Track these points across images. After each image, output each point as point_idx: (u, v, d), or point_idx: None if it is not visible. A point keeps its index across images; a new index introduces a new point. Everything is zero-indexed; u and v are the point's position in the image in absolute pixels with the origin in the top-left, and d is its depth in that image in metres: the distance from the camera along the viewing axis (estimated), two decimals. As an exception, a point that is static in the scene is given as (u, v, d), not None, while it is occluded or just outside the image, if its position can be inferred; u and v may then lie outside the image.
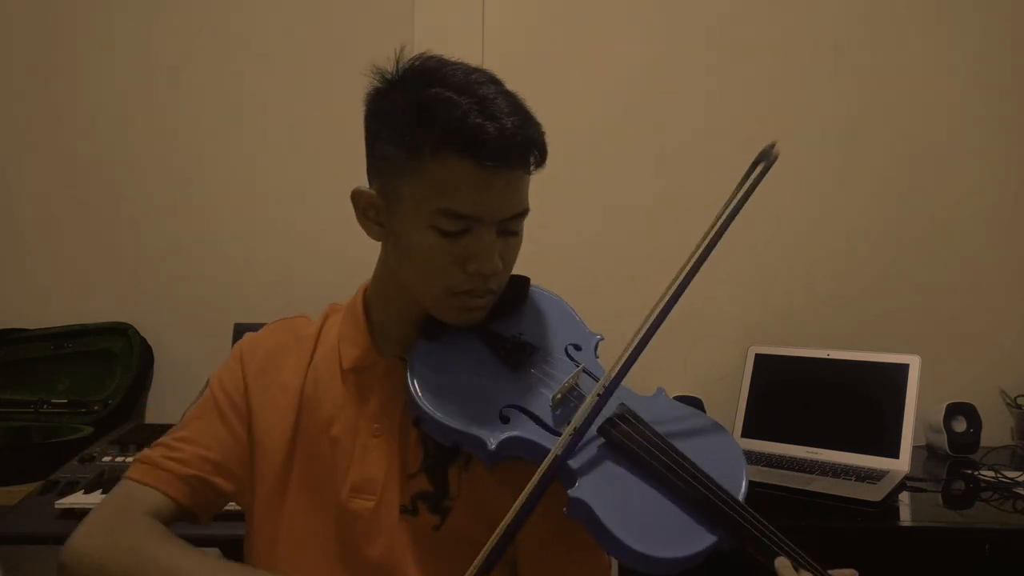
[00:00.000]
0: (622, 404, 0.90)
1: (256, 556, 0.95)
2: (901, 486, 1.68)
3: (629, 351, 0.88)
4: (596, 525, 0.80)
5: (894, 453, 1.76)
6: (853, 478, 1.67)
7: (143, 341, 2.15)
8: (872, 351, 1.88)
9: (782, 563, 0.78)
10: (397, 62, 0.90)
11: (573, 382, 0.92)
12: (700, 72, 2.16)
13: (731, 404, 1.98)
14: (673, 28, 2.16)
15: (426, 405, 0.87)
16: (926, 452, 2.00)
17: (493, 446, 0.84)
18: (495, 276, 0.90)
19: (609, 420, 0.88)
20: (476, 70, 0.88)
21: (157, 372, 2.19)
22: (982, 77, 2.14)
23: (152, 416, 2.19)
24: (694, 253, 0.89)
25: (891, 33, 2.15)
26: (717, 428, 0.93)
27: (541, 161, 0.88)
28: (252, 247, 2.18)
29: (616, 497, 0.82)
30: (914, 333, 2.10)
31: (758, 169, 0.89)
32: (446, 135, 0.83)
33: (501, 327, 0.96)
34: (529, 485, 0.80)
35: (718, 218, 0.88)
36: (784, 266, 2.16)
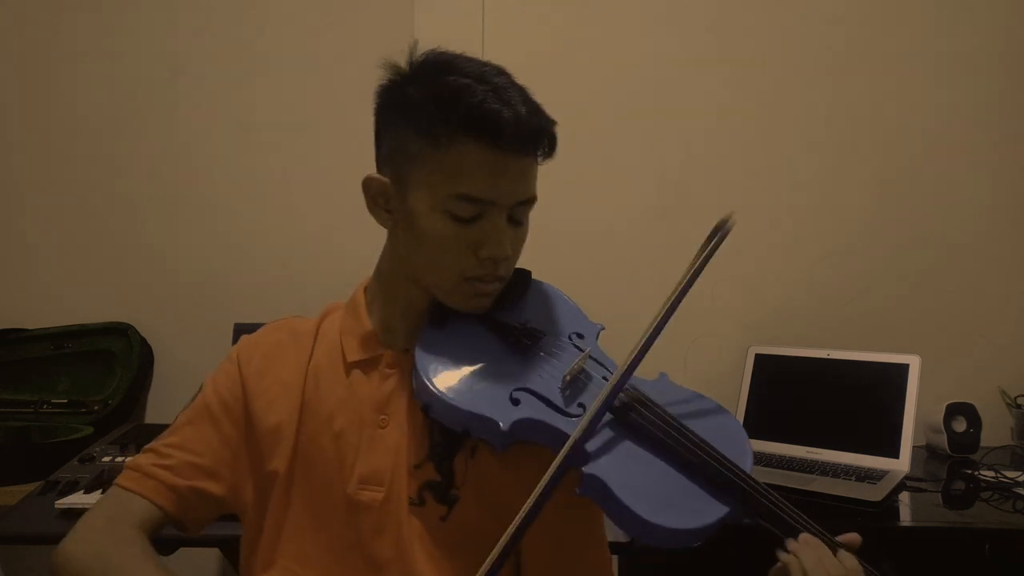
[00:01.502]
0: (631, 386, 0.92)
1: (259, 555, 0.95)
2: (901, 486, 1.68)
3: (643, 341, 0.90)
4: (610, 499, 0.82)
5: (894, 453, 1.76)
6: (853, 478, 1.68)
7: (143, 341, 2.15)
8: (872, 351, 1.88)
9: (804, 538, 0.83)
10: (410, 56, 0.92)
11: (581, 365, 0.93)
12: (700, 73, 2.16)
13: (731, 404, 1.98)
14: (675, 29, 2.16)
15: (436, 389, 0.88)
16: (926, 452, 2.00)
17: (506, 427, 0.85)
18: (505, 262, 0.92)
19: (622, 401, 0.90)
20: (488, 63, 0.91)
21: (157, 372, 2.19)
22: (981, 77, 2.14)
23: (152, 416, 2.19)
24: (655, 318, 0.91)
25: (891, 34, 2.14)
26: (720, 408, 0.96)
27: (551, 151, 0.91)
28: (252, 247, 2.18)
29: (628, 472, 0.84)
30: (914, 333, 2.10)
31: (714, 241, 0.91)
32: (464, 120, 0.85)
33: (506, 316, 0.97)
34: (551, 468, 0.81)
35: (675, 289, 0.92)
36: (784, 266, 2.16)
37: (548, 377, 0.92)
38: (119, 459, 1.71)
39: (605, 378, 0.94)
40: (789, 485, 1.64)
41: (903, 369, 1.81)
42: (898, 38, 2.15)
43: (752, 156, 2.16)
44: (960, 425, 1.95)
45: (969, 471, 1.82)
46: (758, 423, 1.94)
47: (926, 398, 1.85)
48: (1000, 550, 1.50)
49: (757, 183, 2.15)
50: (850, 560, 0.82)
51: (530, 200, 0.92)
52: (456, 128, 0.85)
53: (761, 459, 1.81)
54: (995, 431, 2.03)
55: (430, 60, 0.91)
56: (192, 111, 2.19)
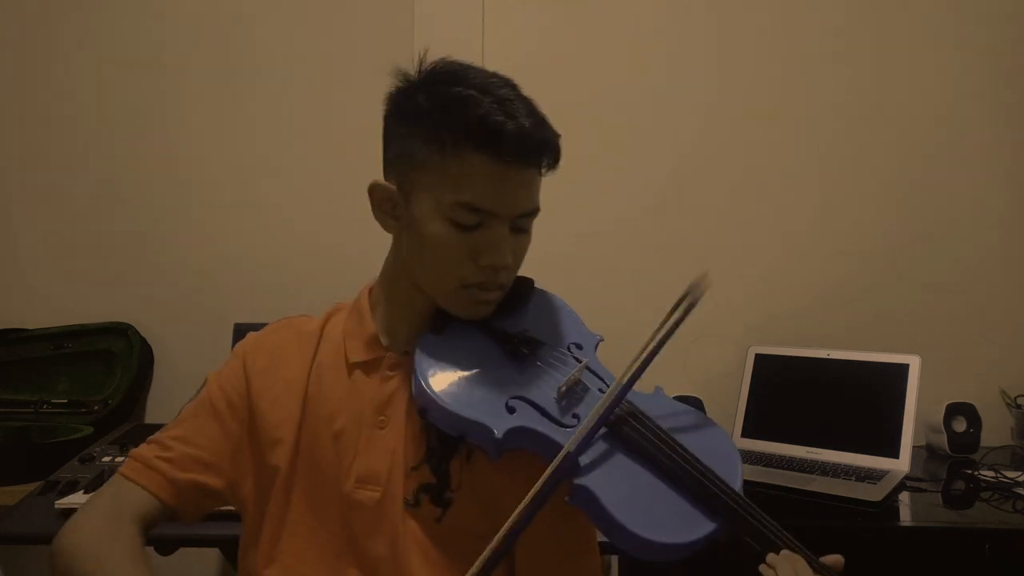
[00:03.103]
0: (627, 400, 0.92)
1: (259, 550, 0.96)
2: (901, 486, 1.68)
3: (642, 358, 0.90)
4: (599, 511, 0.82)
5: (894, 453, 1.76)
6: (853, 478, 1.68)
7: (143, 341, 2.16)
8: (872, 351, 1.88)
9: (785, 554, 0.82)
10: (420, 64, 0.94)
11: (577, 376, 0.94)
12: (702, 76, 2.16)
13: (731, 404, 1.98)
14: (678, 29, 2.16)
15: (433, 393, 0.89)
16: (926, 452, 2.00)
17: (500, 434, 0.85)
18: (505, 271, 0.93)
19: (616, 415, 0.90)
20: (495, 74, 0.93)
21: (157, 372, 2.19)
22: (981, 78, 2.14)
23: (152, 416, 2.19)
24: (623, 376, 0.90)
25: (891, 35, 2.14)
26: (713, 425, 0.97)
27: (554, 163, 0.93)
28: (252, 247, 2.18)
29: (619, 485, 0.85)
30: (914, 333, 2.10)
31: (686, 302, 0.92)
32: (469, 130, 0.87)
33: (506, 324, 0.98)
34: (540, 481, 0.82)
35: (644, 348, 0.91)
36: (784, 266, 2.16)
37: (545, 387, 0.93)
38: (119, 459, 1.71)
39: (601, 390, 0.94)
40: (789, 485, 1.64)
41: (903, 369, 1.81)
42: (900, 40, 2.15)
43: (752, 157, 2.16)
44: (960, 425, 1.94)
45: (969, 471, 1.82)
46: (758, 423, 1.94)
47: (926, 398, 1.84)
48: (1000, 550, 1.50)
49: (757, 184, 2.15)
50: None
51: (532, 211, 0.93)
52: (461, 137, 0.87)
53: (761, 459, 1.81)
54: (995, 431, 2.03)
55: (439, 69, 0.93)
56: (193, 112, 2.19)
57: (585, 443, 0.85)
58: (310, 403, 0.96)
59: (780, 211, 2.15)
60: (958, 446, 1.93)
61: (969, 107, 2.15)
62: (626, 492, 0.84)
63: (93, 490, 1.52)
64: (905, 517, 1.62)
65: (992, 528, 1.53)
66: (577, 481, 0.83)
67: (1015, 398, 2.05)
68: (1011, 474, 1.76)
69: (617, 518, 0.81)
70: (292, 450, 0.95)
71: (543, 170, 0.92)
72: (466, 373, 0.92)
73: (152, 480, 0.94)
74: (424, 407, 0.91)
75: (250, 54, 2.18)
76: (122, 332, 2.14)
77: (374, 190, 0.95)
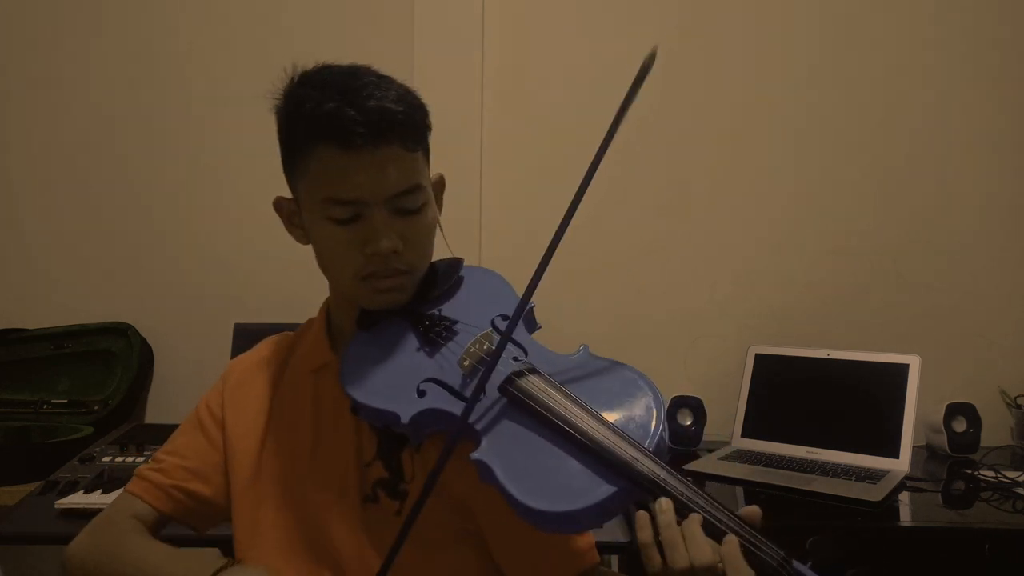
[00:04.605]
0: (523, 360, 0.90)
1: (241, 552, 0.99)
2: (901, 486, 1.68)
3: (524, 293, 0.88)
4: (497, 484, 0.80)
5: (894, 453, 1.76)
6: (853, 478, 1.67)
7: (143, 341, 2.15)
8: (872, 351, 1.88)
9: (662, 504, 0.75)
10: (289, 79, 0.94)
11: (480, 347, 0.92)
12: (702, 76, 2.16)
13: (731, 404, 1.98)
14: (677, 31, 2.16)
15: (351, 389, 0.91)
16: (926, 452, 2.00)
17: (406, 420, 0.86)
18: (397, 256, 0.91)
19: (507, 378, 0.86)
20: (354, 67, 0.92)
21: (157, 372, 2.19)
22: (981, 78, 2.14)
23: (152, 416, 2.19)
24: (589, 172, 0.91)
25: (889, 35, 2.14)
26: (636, 382, 0.87)
27: (414, 137, 0.90)
28: (252, 247, 2.18)
29: (516, 455, 0.81)
30: (914, 333, 2.10)
31: (640, 75, 0.90)
32: (309, 127, 0.88)
33: (427, 307, 0.98)
34: (444, 447, 0.81)
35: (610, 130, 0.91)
36: (784, 266, 2.16)
37: (455, 365, 0.91)
38: (119, 459, 1.71)
39: (516, 359, 0.90)
40: (789, 485, 1.64)
41: (903, 369, 1.81)
42: (896, 40, 2.15)
43: (751, 156, 2.16)
44: (960, 425, 1.95)
45: (969, 471, 1.82)
46: (758, 423, 1.94)
47: (926, 398, 1.85)
48: (1000, 550, 1.50)
49: (757, 183, 2.15)
50: (730, 545, 0.73)
51: (408, 190, 0.90)
52: (307, 137, 0.89)
53: (761, 459, 1.81)
54: (995, 431, 2.03)
55: (294, 78, 0.94)
56: (192, 113, 2.19)
57: (476, 395, 0.83)
58: (275, 410, 1.01)
59: (780, 211, 2.15)
60: (958, 446, 1.93)
61: (969, 107, 2.15)
62: (522, 462, 0.81)
63: (93, 490, 1.53)
64: (905, 517, 1.62)
65: (992, 528, 1.53)
66: (473, 456, 0.81)
67: (1015, 398, 2.05)
68: (1011, 474, 1.76)
69: (508, 489, 0.78)
70: (258, 456, 0.99)
71: (410, 145, 0.89)
72: (384, 365, 0.93)
73: (144, 489, 0.99)
74: (352, 405, 0.93)
75: (251, 55, 2.18)
76: (122, 332, 2.14)
77: (279, 206, 0.99)
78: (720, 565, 0.72)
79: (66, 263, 2.20)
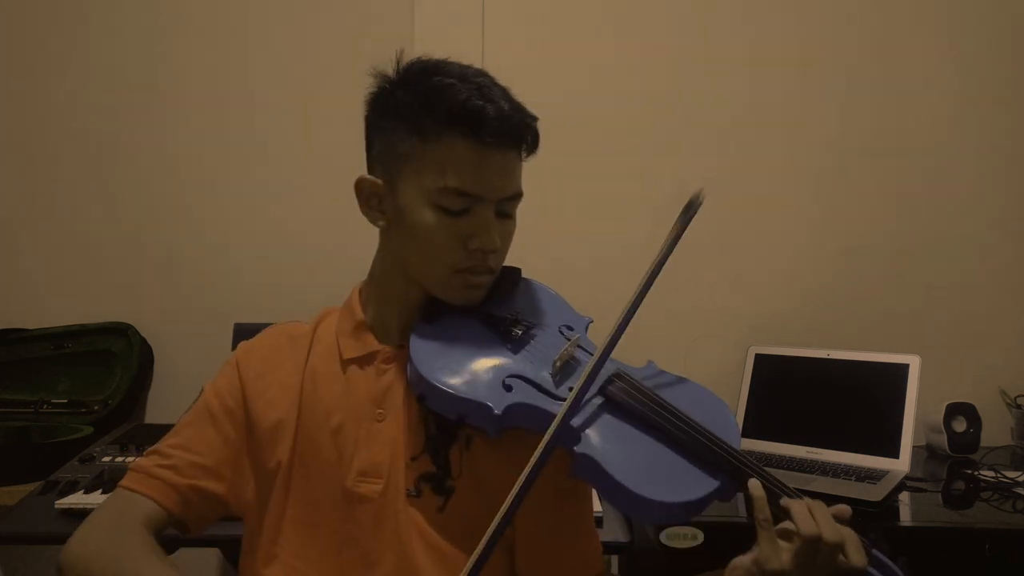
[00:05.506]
0: (618, 368, 0.95)
1: (259, 550, 0.96)
2: (901, 486, 1.69)
3: (621, 318, 0.92)
4: (602, 476, 0.83)
5: (894, 453, 1.76)
6: (853, 478, 1.68)
7: (143, 341, 2.15)
8: (872, 351, 1.88)
9: (787, 503, 0.82)
10: (398, 63, 0.96)
11: (571, 351, 0.96)
12: (705, 79, 2.16)
13: (731, 404, 1.96)
14: (681, 34, 2.16)
15: (430, 377, 0.90)
16: (926, 452, 2.00)
17: (499, 411, 0.87)
18: (494, 255, 0.95)
19: (608, 380, 0.92)
20: (470, 66, 0.96)
21: (157, 372, 2.19)
22: (982, 82, 2.14)
23: (152, 416, 2.19)
24: (635, 293, 0.95)
25: (892, 41, 2.14)
26: (706, 391, 0.97)
27: (533, 147, 0.95)
28: (252, 247, 2.18)
29: (619, 449, 0.86)
30: (914, 333, 2.10)
31: (687, 217, 0.99)
32: (450, 115, 0.89)
33: (496, 308, 1.00)
34: (540, 445, 0.83)
35: (653, 263, 0.98)
36: (784, 266, 2.16)
37: (539, 364, 0.95)
38: (119, 459, 1.71)
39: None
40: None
41: (903, 369, 1.82)
42: (901, 46, 2.15)
43: (753, 158, 2.16)
44: (960, 425, 1.95)
45: (969, 471, 1.82)
46: (758, 423, 1.94)
47: (926, 398, 1.85)
48: (1000, 550, 1.50)
49: (758, 184, 2.15)
50: (845, 528, 0.84)
51: (516, 195, 0.95)
52: (443, 123, 0.90)
53: (761, 459, 1.80)
54: (995, 431, 2.03)
55: (416, 66, 0.96)
56: (193, 112, 2.19)
57: (577, 404, 0.87)
58: (306, 403, 0.98)
59: (780, 211, 2.15)
60: (958, 446, 1.93)
61: (970, 109, 2.15)
62: (625, 455, 0.85)
63: (93, 490, 1.53)
64: (905, 517, 1.63)
65: (992, 528, 1.54)
66: (577, 449, 0.85)
67: (1015, 398, 2.05)
68: (1011, 474, 1.76)
69: (621, 481, 0.82)
70: (290, 450, 0.96)
71: (524, 154, 0.95)
72: (461, 356, 0.94)
73: (155, 488, 0.94)
74: (422, 393, 0.92)
75: (251, 55, 2.18)
76: (122, 332, 2.14)
77: (361, 185, 0.97)
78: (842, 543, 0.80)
79: (66, 263, 2.20)
